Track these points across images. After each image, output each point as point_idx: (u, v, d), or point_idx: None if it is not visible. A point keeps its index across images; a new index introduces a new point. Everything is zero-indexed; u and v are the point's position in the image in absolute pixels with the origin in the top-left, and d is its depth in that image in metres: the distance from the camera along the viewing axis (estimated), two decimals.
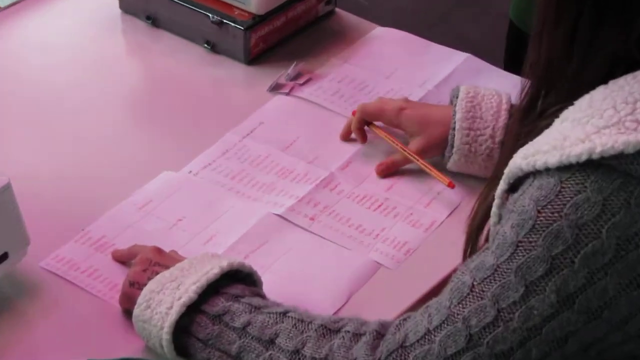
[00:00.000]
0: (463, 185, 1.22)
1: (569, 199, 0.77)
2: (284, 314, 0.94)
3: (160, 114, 1.37)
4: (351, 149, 1.30)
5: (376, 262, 1.13)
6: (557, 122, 0.82)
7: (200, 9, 1.46)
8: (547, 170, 0.79)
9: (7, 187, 1.01)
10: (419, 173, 1.24)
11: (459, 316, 0.82)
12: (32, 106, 1.37)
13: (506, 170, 0.84)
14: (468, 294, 0.82)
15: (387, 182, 1.25)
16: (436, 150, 1.24)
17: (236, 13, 1.45)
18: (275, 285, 1.06)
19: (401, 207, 1.21)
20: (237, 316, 0.95)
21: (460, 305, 0.82)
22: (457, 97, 1.23)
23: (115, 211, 1.18)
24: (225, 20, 1.44)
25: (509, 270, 0.80)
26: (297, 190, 1.22)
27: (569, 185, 0.78)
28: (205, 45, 1.48)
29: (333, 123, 1.34)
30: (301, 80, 1.41)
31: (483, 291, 0.81)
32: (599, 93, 0.80)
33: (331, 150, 1.30)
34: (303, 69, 1.43)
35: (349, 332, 0.91)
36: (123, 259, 1.11)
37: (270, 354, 0.92)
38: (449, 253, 1.05)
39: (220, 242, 1.14)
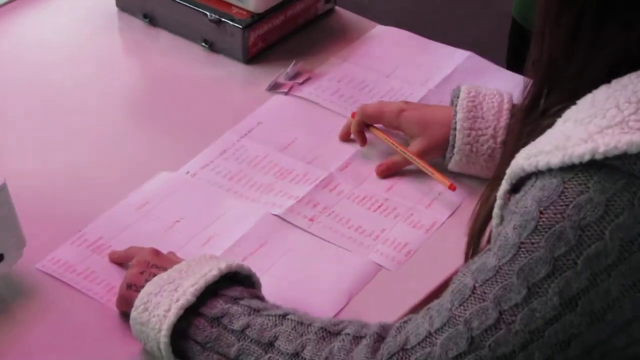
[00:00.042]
0: (464, 186, 1.23)
1: (571, 199, 0.77)
2: (283, 316, 0.94)
3: (158, 113, 1.37)
4: (351, 149, 1.30)
5: (376, 263, 1.13)
6: (559, 121, 0.82)
7: (198, 7, 1.46)
8: (550, 171, 0.79)
9: (3, 188, 1.01)
10: (419, 173, 1.24)
11: (460, 318, 0.82)
12: (28, 106, 1.37)
13: (508, 171, 0.84)
14: (469, 296, 0.82)
15: (387, 182, 1.25)
16: (437, 152, 1.24)
17: (234, 11, 1.45)
18: (274, 288, 1.06)
19: (401, 207, 1.21)
20: (235, 319, 0.95)
21: (462, 308, 0.82)
22: (457, 97, 1.23)
23: (112, 212, 1.18)
24: (223, 19, 1.44)
25: (511, 272, 0.80)
26: (296, 191, 1.22)
27: (572, 186, 0.78)
28: (203, 44, 1.48)
29: (332, 123, 1.34)
30: (300, 80, 1.41)
31: (485, 293, 0.81)
32: (602, 92, 0.80)
33: (330, 151, 1.30)
34: (302, 68, 1.43)
35: (349, 334, 0.91)
36: (120, 260, 1.11)
37: (270, 357, 0.92)
38: (450, 254, 1.05)
39: (218, 243, 1.14)
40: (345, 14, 1.57)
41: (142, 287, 1.00)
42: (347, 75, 1.44)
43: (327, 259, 1.13)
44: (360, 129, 1.29)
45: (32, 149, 1.29)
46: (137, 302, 0.98)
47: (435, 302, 0.87)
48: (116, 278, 1.08)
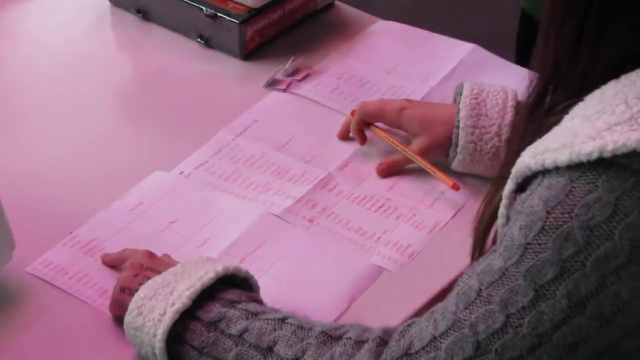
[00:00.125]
0: (468, 185, 1.23)
1: (579, 199, 0.77)
2: (283, 320, 0.94)
3: (151, 111, 1.37)
4: (350, 148, 1.30)
5: (378, 266, 1.13)
6: (566, 118, 0.82)
7: (193, 1, 1.46)
8: (557, 169, 0.79)
9: None
10: (421, 172, 1.24)
11: (466, 322, 0.82)
12: (18, 104, 1.37)
13: (514, 170, 0.84)
14: (475, 299, 0.82)
15: (388, 182, 1.25)
16: (439, 150, 1.24)
17: (231, 6, 1.44)
18: (273, 290, 1.06)
19: (403, 208, 1.21)
20: (233, 323, 0.95)
21: (467, 311, 0.82)
22: (460, 94, 1.23)
23: (104, 213, 1.18)
24: (219, 14, 1.44)
25: (518, 274, 0.80)
26: (294, 191, 1.22)
27: (580, 185, 0.78)
28: (199, 39, 1.48)
29: (331, 121, 1.33)
30: (299, 76, 1.41)
31: (491, 296, 0.81)
32: (610, 88, 0.80)
33: (329, 150, 1.29)
34: (301, 64, 1.43)
35: (350, 339, 0.91)
36: (113, 263, 1.10)
37: None
38: (454, 256, 1.05)
39: (215, 244, 1.14)
40: (345, 9, 1.57)
41: (136, 290, 1.00)
42: (347, 71, 1.44)
43: (328, 261, 1.13)
44: (360, 127, 1.29)
45: (21, 147, 1.29)
46: (131, 306, 0.98)
47: (440, 305, 0.87)
48: (109, 281, 1.08)
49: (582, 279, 0.77)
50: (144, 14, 1.52)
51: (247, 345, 0.93)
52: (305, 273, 1.12)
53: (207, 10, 1.44)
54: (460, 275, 0.86)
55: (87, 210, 1.18)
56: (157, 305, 0.97)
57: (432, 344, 0.84)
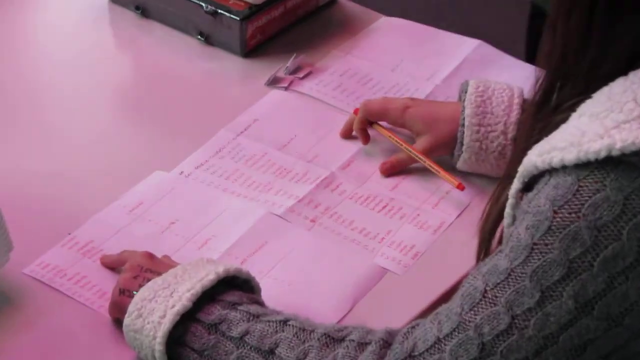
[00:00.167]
0: (473, 184, 1.22)
1: (587, 198, 0.77)
2: (285, 322, 0.94)
3: (151, 110, 1.37)
4: (353, 147, 1.30)
5: (382, 267, 1.13)
6: (574, 116, 0.82)
7: None
8: (564, 168, 0.79)
9: None
10: (425, 171, 1.24)
11: (470, 323, 0.82)
12: (15, 103, 1.37)
13: (520, 169, 0.84)
14: (480, 300, 0.82)
15: (391, 181, 1.25)
16: (444, 149, 1.24)
17: (231, 2, 1.44)
18: (275, 292, 1.06)
19: (407, 207, 1.21)
20: (234, 325, 0.95)
21: (472, 312, 0.82)
22: (465, 92, 1.23)
23: (103, 214, 1.18)
24: (219, 10, 1.44)
25: (524, 275, 0.80)
26: (296, 190, 1.22)
27: (588, 184, 0.78)
28: (199, 36, 1.48)
29: (334, 120, 1.34)
30: (301, 74, 1.41)
31: (496, 297, 0.81)
32: (619, 85, 0.80)
33: (331, 149, 1.29)
34: (303, 62, 1.43)
35: (353, 341, 0.91)
36: (112, 265, 1.11)
37: None
38: (459, 256, 1.05)
39: (215, 245, 1.14)
40: (348, 5, 1.57)
41: (136, 292, 1.00)
42: (350, 69, 1.44)
43: (330, 262, 1.13)
44: (363, 126, 1.29)
45: (19, 148, 1.29)
46: (130, 308, 0.98)
47: (444, 306, 0.87)
48: (108, 283, 1.08)
49: (590, 279, 0.77)
50: (143, 11, 1.52)
51: (249, 347, 0.94)
52: (307, 274, 1.12)
53: (207, 7, 1.44)
54: (465, 276, 0.86)
55: (85, 211, 1.18)
56: (157, 307, 0.97)
57: (437, 345, 0.84)
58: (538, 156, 0.82)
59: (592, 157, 0.77)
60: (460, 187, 1.20)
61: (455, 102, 1.25)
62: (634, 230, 0.76)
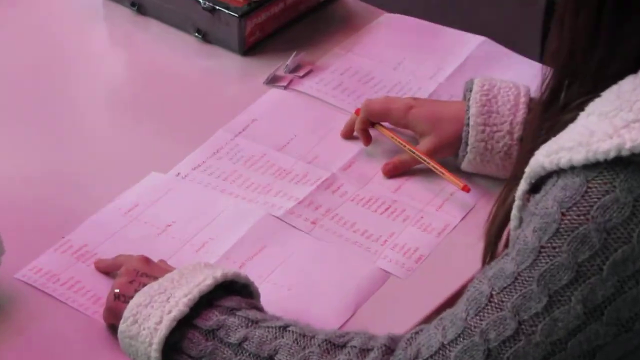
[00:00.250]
0: (478, 186, 1.23)
1: (596, 200, 0.77)
2: (284, 328, 0.94)
3: (147, 110, 1.37)
4: (354, 147, 1.30)
5: (385, 270, 1.13)
6: (582, 115, 0.82)
7: None
8: (572, 169, 0.79)
9: None
10: (429, 172, 1.24)
11: (476, 329, 0.82)
12: (7, 103, 1.37)
13: (527, 169, 0.84)
14: (486, 305, 0.82)
15: (394, 182, 1.25)
16: (448, 150, 1.24)
17: None
18: (274, 297, 1.06)
19: (411, 210, 1.21)
20: (232, 331, 0.95)
21: (478, 317, 0.82)
22: (470, 91, 1.23)
23: (98, 217, 1.18)
24: (217, 7, 1.44)
25: (531, 279, 0.80)
26: (296, 192, 1.22)
27: (596, 185, 0.77)
28: (196, 34, 1.48)
29: (335, 119, 1.34)
30: (301, 73, 1.41)
31: (502, 301, 0.81)
32: (628, 83, 0.80)
33: (332, 149, 1.30)
34: (303, 60, 1.43)
35: (355, 347, 0.91)
36: (107, 269, 1.10)
37: None
38: (464, 260, 1.05)
39: (213, 249, 1.14)
40: (349, 1, 1.57)
41: (131, 297, 0.99)
42: (352, 67, 1.44)
43: (331, 266, 1.13)
44: (365, 126, 1.29)
45: (11, 150, 1.29)
46: (125, 314, 0.98)
47: (449, 311, 0.86)
48: (103, 288, 1.08)
49: (599, 283, 0.77)
50: (139, 7, 1.52)
51: (247, 354, 0.93)
52: (308, 278, 1.12)
53: (204, 3, 1.44)
54: (471, 280, 0.86)
55: (79, 213, 1.18)
56: (153, 313, 0.97)
57: (441, 352, 0.84)
58: (545, 156, 0.82)
59: (601, 157, 0.77)
60: (466, 189, 1.20)
61: (460, 102, 1.25)
62: None
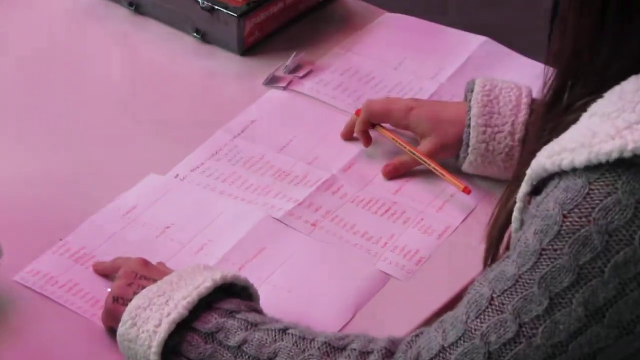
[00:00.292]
0: (479, 187, 1.23)
1: (598, 202, 0.77)
2: (284, 330, 0.94)
3: (145, 111, 1.37)
4: (354, 148, 1.30)
5: (385, 272, 1.13)
6: (584, 116, 0.82)
7: None
8: (574, 171, 0.79)
9: None
10: (430, 173, 1.24)
11: (476, 332, 0.82)
12: (4, 103, 1.37)
13: (528, 171, 0.85)
14: (487, 307, 0.82)
15: (394, 184, 1.25)
16: (449, 151, 1.24)
17: None
18: (274, 299, 1.07)
19: (411, 211, 1.21)
20: (232, 334, 0.95)
21: (478, 320, 0.82)
22: (471, 91, 1.23)
23: (96, 219, 1.18)
24: (216, 6, 1.44)
25: (532, 281, 0.80)
26: (295, 193, 1.22)
27: (598, 187, 0.78)
28: (195, 34, 1.48)
29: (334, 120, 1.34)
30: (300, 73, 1.42)
31: (503, 304, 0.81)
32: (631, 84, 0.80)
33: (332, 150, 1.30)
34: (303, 60, 1.43)
35: (355, 350, 0.91)
36: (106, 272, 1.11)
37: None
38: (464, 262, 1.05)
39: (212, 251, 1.14)
40: (350, 1, 1.57)
41: (130, 300, 1.00)
42: (352, 67, 1.44)
43: (331, 268, 1.13)
44: (365, 127, 1.29)
45: (8, 151, 1.29)
46: (124, 317, 0.98)
47: (449, 314, 0.87)
48: (101, 291, 1.08)
49: (600, 286, 0.77)
50: (137, 7, 1.52)
51: (247, 357, 0.94)
52: (307, 280, 1.12)
53: (203, 3, 1.44)
54: (471, 282, 0.86)
55: (77, 215, 1.18)
56: (152, 316, 0.97)
57: (441, 354, 0.84)
58: (547, 158, 0.82)
59: (603, 158, 0.77)
60: (467, 191, 1.20)
61: (461, 102, 1.25)
62: None
